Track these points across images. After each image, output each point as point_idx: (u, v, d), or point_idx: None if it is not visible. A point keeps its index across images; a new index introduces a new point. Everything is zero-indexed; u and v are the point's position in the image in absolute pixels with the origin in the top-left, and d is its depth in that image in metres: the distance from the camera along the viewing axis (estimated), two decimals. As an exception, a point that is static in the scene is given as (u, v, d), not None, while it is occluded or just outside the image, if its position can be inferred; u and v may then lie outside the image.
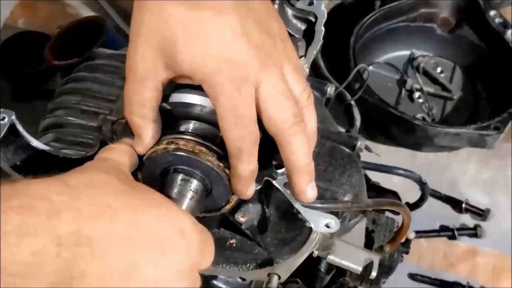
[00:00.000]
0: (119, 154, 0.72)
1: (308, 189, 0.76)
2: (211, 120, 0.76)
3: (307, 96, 0.74)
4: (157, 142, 0.75)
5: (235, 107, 0.68)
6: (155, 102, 0.72)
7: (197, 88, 0.72)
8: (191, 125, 0.76)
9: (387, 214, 1.26)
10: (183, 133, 0.75)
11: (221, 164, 0.73)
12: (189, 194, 0.74)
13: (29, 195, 0.56)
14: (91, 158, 0.81)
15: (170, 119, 0.77)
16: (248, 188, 0.75)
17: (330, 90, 1.14)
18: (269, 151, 0.80)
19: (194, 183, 0.74)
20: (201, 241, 0.65)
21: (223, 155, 0.74)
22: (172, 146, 0.73)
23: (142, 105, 0.72)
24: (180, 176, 0.74)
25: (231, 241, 0.87)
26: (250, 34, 0.69)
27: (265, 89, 0.69)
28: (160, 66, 0.70)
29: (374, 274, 0.94)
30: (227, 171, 0.74)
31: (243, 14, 0.69)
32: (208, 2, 0.68)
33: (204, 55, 0.67)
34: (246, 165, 0.71)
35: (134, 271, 0.59)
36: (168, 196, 0.73)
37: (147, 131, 0.73)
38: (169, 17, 0.68)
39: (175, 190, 0.73)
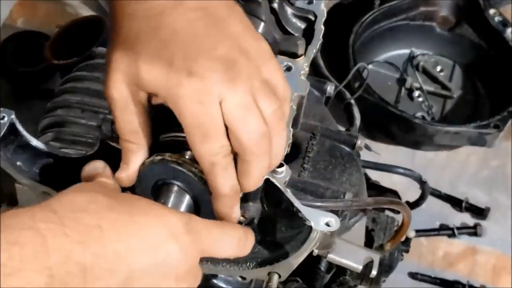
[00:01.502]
0: (108, 176, 0.72)
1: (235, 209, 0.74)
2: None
3: (278, 118, 0.71)
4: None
5: (200, 120, 0.66)
6: (146, 125, 0.72)
7: None
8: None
9: (387, 213, 1.26)
10: (181, 130, 0.76)
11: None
12: (182, 209, 0.75)
13: (15, 227, 0.55)
14: (91, 157, 0.81)
15: (168, 116, 0.78)
16: (233, 209, 0.72)
17: (330, 89, 1.14)
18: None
19: (187, 198, 0.75)
20: (198, 239, 0.65)
21: None
22: (158, 158, 0.73)
23: (135, 132, 0.71)
24: (173, 192, 0.75)
25: (231, 240, 0.87)
26: (216, 47, 0.67)
27: (229, 103, 0.67)
28: (135, 89, 0.69)
29: (374, 272, 0.94)
30: None
31: (213, 32, 0.68)
32: (171, 21, 0.67)
33: (165, 70, 0.66)
34: (223, 180, 0.69)
35: (132, 286, 0.60)
36: None
37: (136, 158, 0.73)
38: (137, 52, 0.67)
39: (169, 206, 0.75)
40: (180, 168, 0.73)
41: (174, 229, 0.63)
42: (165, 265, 0.62)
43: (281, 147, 0.73)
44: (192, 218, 0.66)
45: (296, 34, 0.92)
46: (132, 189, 0.79)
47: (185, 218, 0.65)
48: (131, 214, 0.62)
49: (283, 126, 0.72)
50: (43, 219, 0.56)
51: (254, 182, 0.72)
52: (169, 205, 0.75)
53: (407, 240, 1.36)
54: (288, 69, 0.89)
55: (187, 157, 0.76)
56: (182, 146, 0.77)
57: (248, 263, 0.86)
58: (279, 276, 0.86)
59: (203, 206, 0.76)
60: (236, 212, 0.73)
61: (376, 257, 0.94)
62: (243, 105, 0.67)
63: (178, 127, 0.76)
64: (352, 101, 1.33)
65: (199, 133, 0.67)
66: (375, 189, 1.35)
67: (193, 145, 0.68)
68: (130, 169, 0.73)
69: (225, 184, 0.70)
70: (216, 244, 0.68)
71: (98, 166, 0.74)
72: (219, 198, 0.71)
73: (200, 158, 0.68)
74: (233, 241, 0.70)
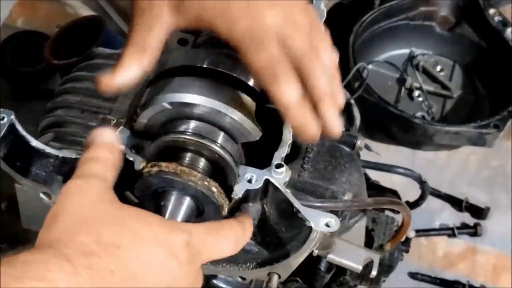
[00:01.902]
0: (103, 168, 0.71)
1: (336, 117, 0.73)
2: (211, 119, 0.77)
3: (319, 31, 0.74)
4: (146, 164, 0.75)
5: (251, 28, 0.68)
6: (156, 51, 0.72)
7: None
8: (192, 124, 0.77)
9: (387, 213, 1.26)
10: (183, 133, 0.76)
11: (206, 182, 0.74)
12: (180, 216, 0.75)
13: (28, 278, 0.55)
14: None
15: (170, 118, 0.78)
16: (309, 125, 0.71)
17: (330, 89, 1.14)
18: (269, 151, 0.80)
19: (185, 203, 0.75)
20: (197, 252, 0.67)
21: (219, 163, 0.76)
22: (155, 169, 0.74)
23: (142, 51, 0.71)
24: (171, 199, 0.75)
25: (231, 241, 0.87)
26: None
27: (274, 22, 0.68)
28: (168, 13, 0.69)
29: (374, 273, 0.94)
30: (215, 188, 0.74)
31: None
32: None
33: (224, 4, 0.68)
34: (290, 87, 0.69)
35: None
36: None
37: (132, 70, 0.71)
38: None
39: (167, 213, 0.75)
40: (179, 179, 0.73)
41: (175, 249, 0.65)
42: (169, 282, 0.64)
43: (331, 60, 0.74)
44: (191, 231, 0.68)
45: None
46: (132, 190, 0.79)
47: (184, 235, 0.67)
48: (136, 244, 0.63)
49: (327, 40, 0.75)
50: (57, 269, 0.57)
51: (326, 86, 0.72)
52: (169, 208, 0.75)
53: (407, 240, 1.36)
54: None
55: (187, 159, 0.76)
56: (182, 147, 0.77)
57: (248, 264, 0.86)
58: (279, 277, 0.86)
59: (206, 207, 0.76)
60: (313, 128, 0.72)
61: (376, 257, 0.94)
62: (287, 22, 0.69)
63: (178, 129, 0.77)
64: (352, 101, 1.33)
65: (252, 41, 0.68)
66: (375, 189, 1.35)
67: (247, 55, 0.69)
68: (113, 80, 0.72)
69: (293, 92, 0.70)
70: (215, 250, 0.70)
71: (107, 135, 0.74)
72: (295, 113, 0.71)
73: (257, 68, 0.69)
74: (231, 241, 0.72)
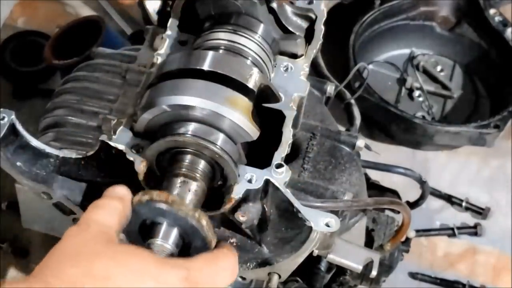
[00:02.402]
0: (106, 215, 0.72)
1: None
2: (209, 121, 0.77)
3: None
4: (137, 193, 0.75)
5: None
6: None
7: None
8: (191, 126, 0.77)
9: (387, 212, 1.26)
10: (182, 135, 0.76)
11: (197, 214, 0.73)
12: (168, 251, 0.75)
13: None
14: (91, 157, 0.81)
15: (170, 120, 0.78)
16: None
17: (330, 89, 1.14)
18: (269, 151, 0.80)
19: (175, 234, 0.75)
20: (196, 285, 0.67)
21: (220, 167, 0.76)
22: (146, 197, 0.73)
23: None
24: (161, 229, 0.75)
25: (232, 240, 0.87)
26: None
27: None
28: None
29: (374, 273, 0.94)
30: (205, 221, 0.73)
31: None
32: None
33: None
34: None
35: None
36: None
37: None
38: None
39: (156, 248, 0.74)
40: (170, 209, 0.73)
41: (170, 284, 0.65)
42: None
43: None
44: (188, 266, 0.68)
45: (297, 33, 0.92)
46: None
47: (181, 271, 0.67)
48: (127, 276, 0.64)
49: None
50: None
51: None
52: (159, 240, 0.74)
53: (407, 240, 1.36)
54: (288, 69, 0.89)
55: (186, 161, 0.76)
56: (181, 150, 0.77)
57: (248, 264, 0.86)
58: (279, 276, 0.87)
59: (194, 240, 0.75)
60: None
61: (376, 257, 0.94)
62: None
63: (177, 131, 0.77)
64: (352, 101, 1.33)
65: None
66: (375, 189, 1.35)
67: None
68: None
69: None
70: (214, 281, 0.70)
71: (118, 188, 0.75)
72: None
73: None
74: (228, 270, 0.73)
